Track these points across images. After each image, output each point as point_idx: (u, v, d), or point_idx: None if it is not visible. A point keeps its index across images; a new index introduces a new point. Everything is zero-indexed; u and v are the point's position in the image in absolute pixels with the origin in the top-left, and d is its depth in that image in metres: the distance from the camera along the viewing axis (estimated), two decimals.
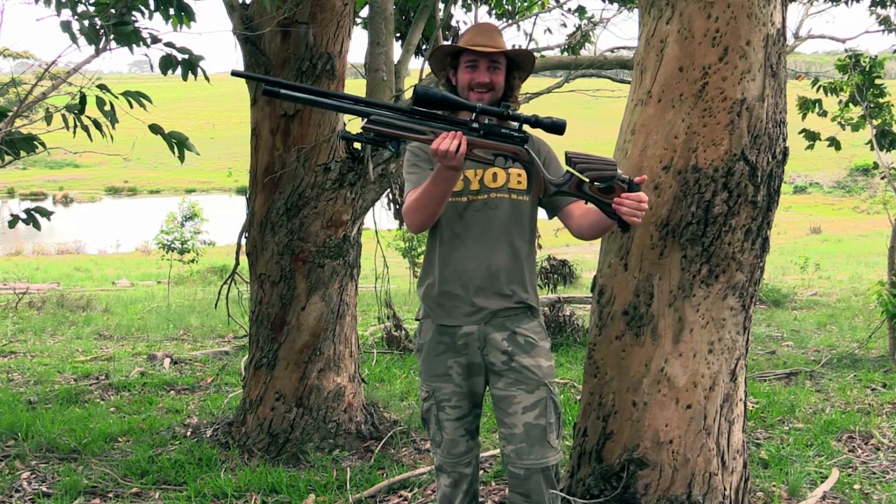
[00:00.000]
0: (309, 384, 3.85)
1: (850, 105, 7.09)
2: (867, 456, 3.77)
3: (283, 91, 1.96)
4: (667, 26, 2.61)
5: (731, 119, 2.52)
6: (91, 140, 3.38)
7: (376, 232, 4.88)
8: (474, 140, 2.04)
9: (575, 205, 2.30)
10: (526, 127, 2.12)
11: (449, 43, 5.36)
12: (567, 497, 2.58)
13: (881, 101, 6.82)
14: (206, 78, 3.45)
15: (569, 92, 6.42)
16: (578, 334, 6.63)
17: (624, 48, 6.51)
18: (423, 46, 5.49)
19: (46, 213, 3.54)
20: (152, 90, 3.91)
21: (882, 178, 6.69)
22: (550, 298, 7.10)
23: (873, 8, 7.10)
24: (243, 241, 4.24)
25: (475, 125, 2.05)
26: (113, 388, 5.23)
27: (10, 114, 3.24)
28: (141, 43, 3.18)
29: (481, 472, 3.43)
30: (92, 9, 3.30)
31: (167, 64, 3.33)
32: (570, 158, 2.10)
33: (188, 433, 4.15)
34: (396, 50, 4.71)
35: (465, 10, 6.61)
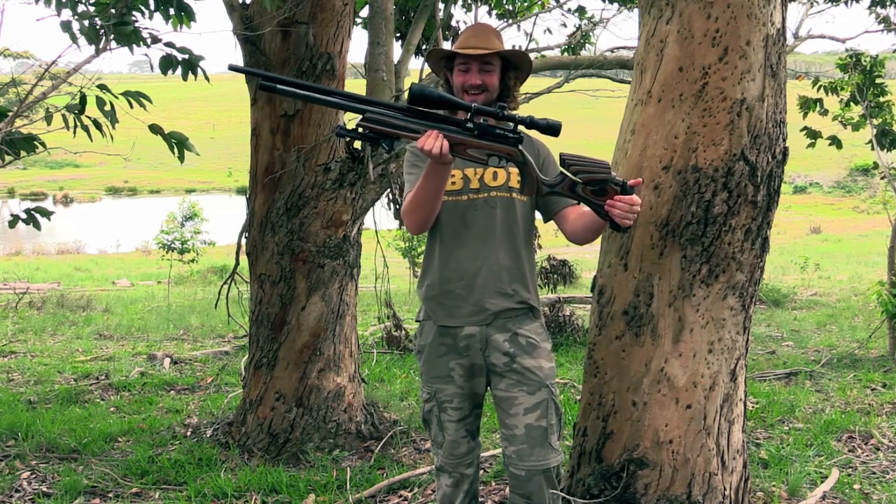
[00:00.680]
0: (309, 384, 3.85)
1: (851, 104, 7.09)
2: (867, 456, 3.77)
3: (279, 86, 1.96)
4: (667, 26, 2.61)
5: (731, 119, 2.52)
6: (91, 140, 3.38)
7: (376, 232, 4.89)
8: (468, 140, 2.04)
9: (570, 209, 2.31)
10: (522, 128, 2.12)
11: (448, 44, 5.37)
12: (567, 497, 2.58)
13: (882, 100, 6.82)
14: (206, 78, 3.46)
15: (569, 92, 6.42)
16: (578, 334, 6.63)
17: (624, 48, 6.51)
18: (423, 46, 5.49)
19: (46, 213, 3.54)
20: (152, 90, 3.91)
21: (882, 178, 6.69)
22: (550, 298, 7.10)
23: (873, 8, 7.10)
24: (243, 241, 4.24)
25: (470, 125, 2.04)
26: (113, 388, 5.23)
27: (10, 114, 3.24)
28: (141, 43, 3.19)
29: (481, 472, 3.43)
30: (92, 9, 3.30)
31: (167, 64, 3.33)
32: (563, 160, 2.10)
33: (188, 433, 4.15)
34: (396, 50, 4.71)
35: (465, 10, 6.61)
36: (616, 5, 6.83)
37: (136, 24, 3.17)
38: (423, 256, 2.49)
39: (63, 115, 3.16)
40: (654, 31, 2.66)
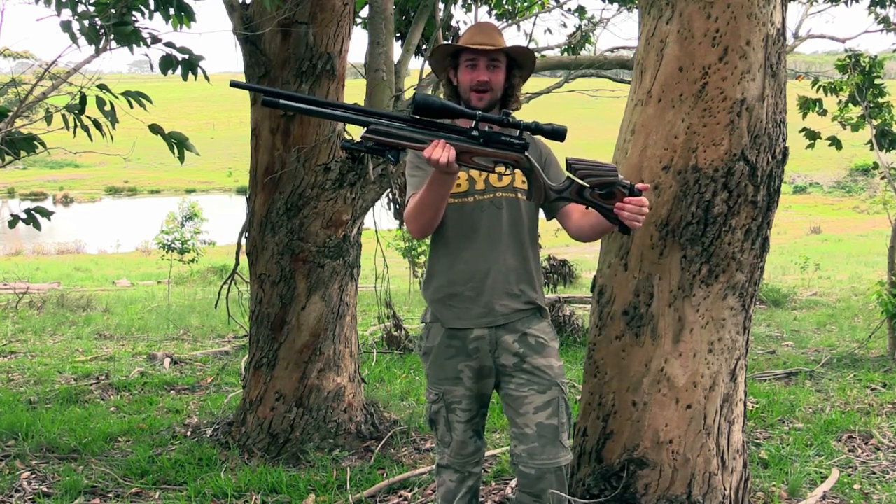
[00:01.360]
0: (309, 384, 3.85)
1: (850, 105, 7.09)
2: (867, 456, 3.77)
3: (282, 101, 1.96)
4: (667, 26, 2.61)
5: (731, 119, 2.52)
6: (91, 140, 3.38)
7: (376, 232, 4.89)
8: (474, 148, 2.03)
9: (574, 206, 2.30)
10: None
11: (449, 43, 5.37)
12: (567, 497, 2.58)
13: (881, 100, 6.82)
14: (206, 78, 3.46)
15: (569, 92, 6.42)
16: (578, 334, 6.63)
17: (624, 48, 6.51)
18: (423, 46, 5.49)
19: (46, 213, 3.54)
20: (152, 90, 3.91)
21: (882, 178, 6.69)
22: (550, 298, 7.10)
23: (873, 8, 7.10)
24: (243, 241, 4.24)
25: (475, 133, 2.03)
26: (113, 388, 5.23)
27: (10, 114, 3.24)
28: (141, 43, 3.19)
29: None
30: (92, 9, 3.30)
31: (167, 64, 3.33)
32: (570, 165, 2.09)
33: (188, 433, 4.15)
34: (396, 50, 4.71)
35: (465, 10, 6.61)
36: (616, 5, 6.84)
37: (136, 24, 3.17)
38: (424, 257, 2.49)
39: (63, 115, 3.16)
40: (654, 31, 2.66)
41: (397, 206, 4.72)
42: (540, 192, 2.14)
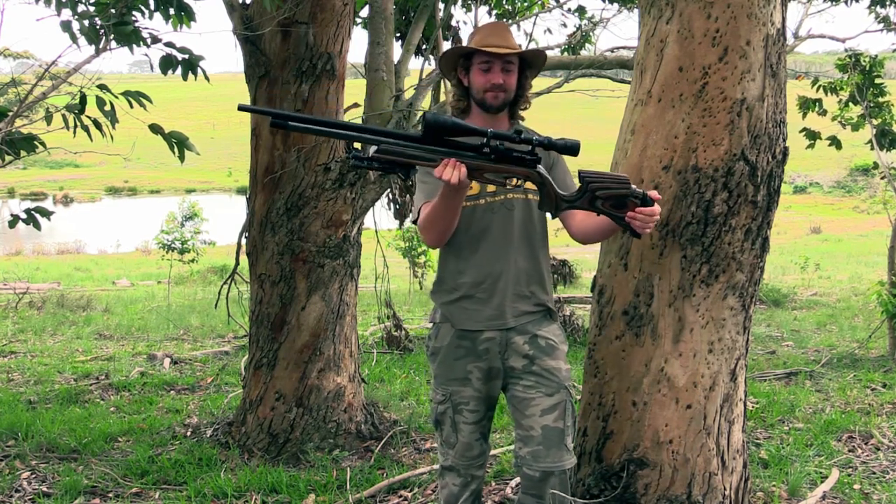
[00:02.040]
0: (309, 384, 3.85)
1: (850, 104, 7.09)
2: (867, 456, 3.77)
3: (290, 123, 1.96)
4: (667, 26, 2.61)
5: (731, 119, 2.52)
6: (91, 140, 3.38)
7: (376, 232, 4.89)
8: (485, 165, 2.03)
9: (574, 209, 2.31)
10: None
11: (448, 44, 5.37)
12: (570, 498, 2.58)
13: (881, 100, 6.82)
14: (206, 78, 3.46)
15: (569, 92, 6.42)
16: (578, 334, 6.63)
17: (624, 48, 6.51)
18: (423, 46, 5.49)
19: (46, 213, 3.54)
20: (152, 90, 3.91)
21: (882, 178, 6.69)
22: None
23: (873, 7, 7.09)
24: (243, 241, 4.24)
25: (486, 150, 2.02)
26: (113, 388, 5.23)
27: (10, 114, 3.24)
28: (141, 43, 3.19)
29: None
30: (92, 9, 3.30)
31: (167, 64, 3.33)
32: (582, 177, 2.10)
33: (188, 433, 4.15)
34: (396, 50, 4.71)
35: (465, 10, 6.61)
36: (616, 5, 6.83)
37: (136, 24, 3.17)
38: (424, 257, 2.49)
39: (63, 115, 3.16)
40: (654, 31, 2.66)
41: (397, 206, 4.72)
42: (552, 204, 2.14)
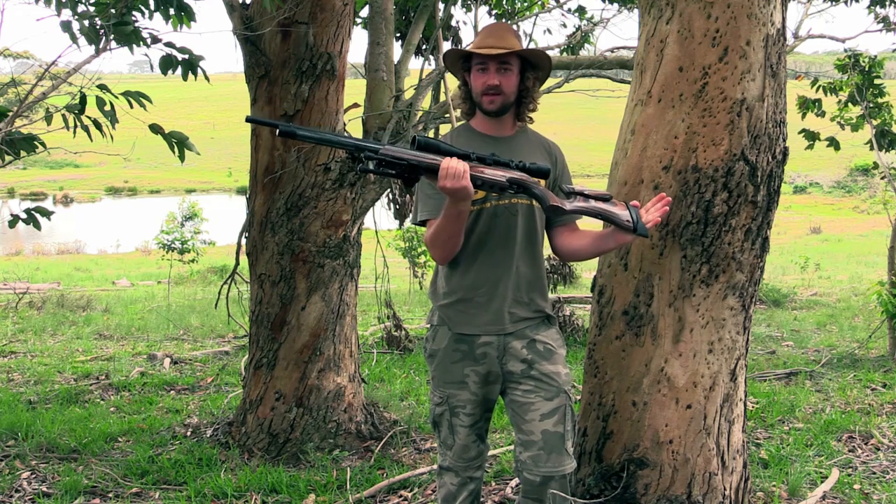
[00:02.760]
0: (309, 384, 3.85)
1: (850, 105, 7.09)
2: (867, 456, 3.77)
3: (299, 132, 1.99)
4: (667, 26, 2.61)
5: (731, 119, 2.53)
6: (91, 140, 3.38)
7: (376, 232, 4.89)
8: (484, 168, 2.10)
9: (566, 227, 2.34)
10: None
11: (448, 44, 5.37)
12: (570, 499, 2.58)
13: (880, 100, 6.82)
14: (206, 78, 3.46)
15: (569, 92, 6.42)
16: (578, 334, 6.63)
17: (624, 48, 6.50)
18: (423, 46, 5.48)
19: (46, 213, 3.54)
20: (152, 90, 3.91)
21: (882, 178, 6.69)
22: (550, 298, 7.09)
23: (872, 7, 7.09)
24: (243, 241, 4.24)
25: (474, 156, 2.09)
26: (113, 388, 5.23)
27: (10, 114, 3.24)
28: (141, 43, 3.19)
29: None
30: (92, 9, 3.30)
31: (167, 64, 3.33)
32: (565, 189, 2.22)
33: (188, 433, 4.15)
34: (396, 50, 4.71)
35: (465, 10, 6.60)
36: (616, 5, 6.83)
37: (136, 24, 3.17)
38: (425, 257, 2.49)
39: (63, 115, 3.16)
40: (654, 31, 2.66)
41: (397, 206, 4.72)
42: (552, 210, 2.18)
